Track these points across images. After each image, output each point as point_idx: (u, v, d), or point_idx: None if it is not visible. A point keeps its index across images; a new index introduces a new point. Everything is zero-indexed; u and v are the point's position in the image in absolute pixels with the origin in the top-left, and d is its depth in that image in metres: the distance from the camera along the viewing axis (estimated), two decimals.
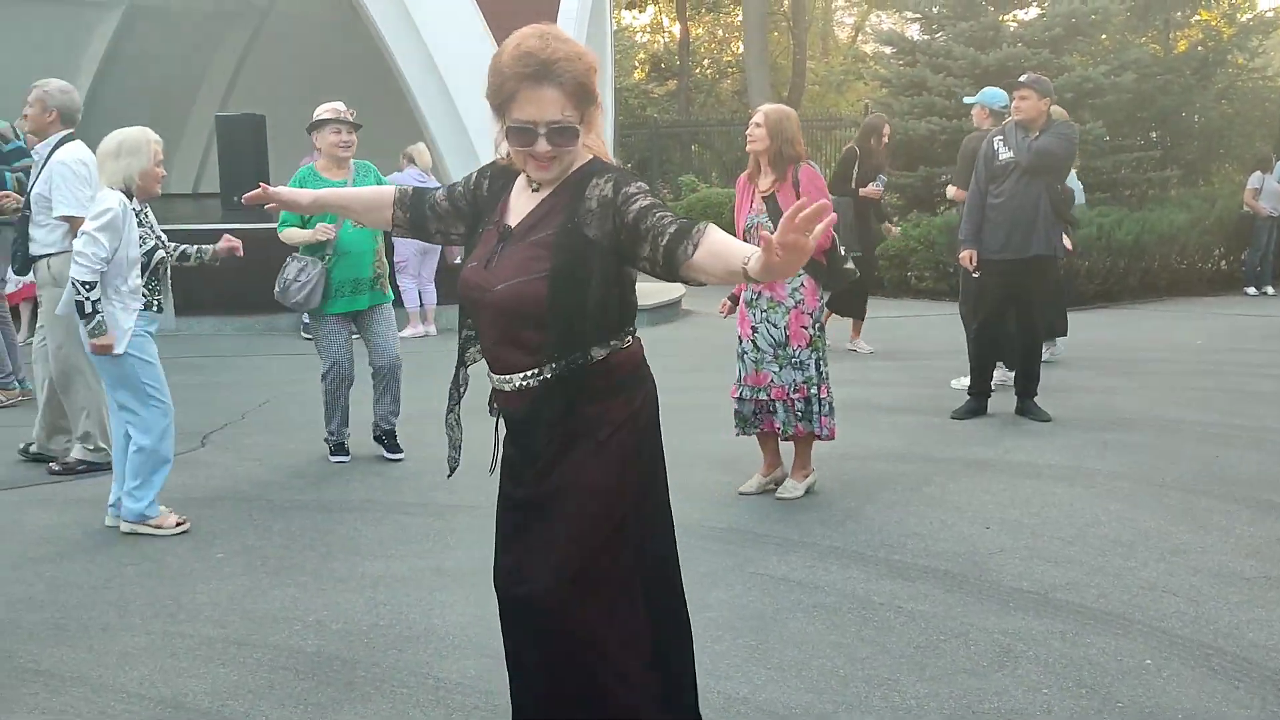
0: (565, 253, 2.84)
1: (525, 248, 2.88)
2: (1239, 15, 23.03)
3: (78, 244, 5.51)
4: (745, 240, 6.04)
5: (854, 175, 10.41)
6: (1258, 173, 15.62)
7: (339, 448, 6.96)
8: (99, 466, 6.72)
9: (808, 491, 6.14)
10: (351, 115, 6.92)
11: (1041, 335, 8.15)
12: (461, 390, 3.12)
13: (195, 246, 6.12)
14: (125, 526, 5.65)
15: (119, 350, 5.54)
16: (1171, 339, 11.60)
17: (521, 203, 2.97)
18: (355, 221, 3.54)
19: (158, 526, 5.64)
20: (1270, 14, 23.56)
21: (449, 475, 3.14)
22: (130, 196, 5.65)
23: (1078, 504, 5.98)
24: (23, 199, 7.04)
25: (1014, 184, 7.57)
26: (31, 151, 8.33)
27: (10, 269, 7.05)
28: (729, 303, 6.28)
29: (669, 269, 2.77)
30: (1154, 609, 4.58)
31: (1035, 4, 18.62)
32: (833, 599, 4.74)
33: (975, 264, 7.76)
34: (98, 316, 5.43)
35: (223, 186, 15.60)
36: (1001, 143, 7.69)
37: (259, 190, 3.25)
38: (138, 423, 5.64)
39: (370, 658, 4.25)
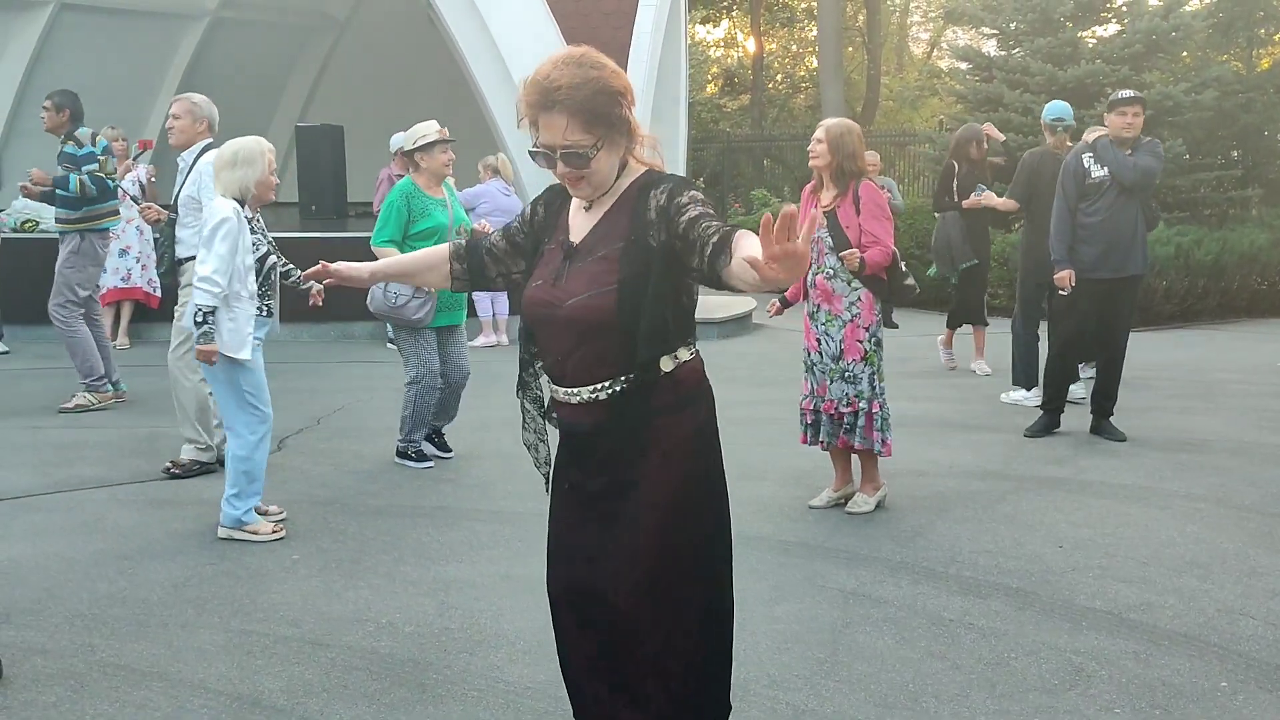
0: (632, 265, 2.87)
1: (593, 263, 2.91)
2: None
3: (202, 269, 5.59)
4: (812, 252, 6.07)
5: (954, 188, 10.28)
6: None
7: (420, 455, 7.01)
8: (210, 467, 6.88)
9: (878, 506, 6.13)
10: (447, 133, 6.96)
11: (1124, 354, 8.02)
12: (529, 409, 3.17)
13: (300, 273, 6.20)
14: (222, 532, 5.73)
15: (245, 356, 5.65)
16: (1251, 361, 11.41)
17: (580, 220, 3.01)
18: (418, 284, 3.51)
19: (253, 533, 5.70)
20: None
21: (546, 488, 3.16)
22: (243, 204, 5.74)
23: (1152, 524, 5.91)
24: (165, 209, 7.15)
25: (1111, 201, 7.48)
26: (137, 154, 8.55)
27: (155, 271, 7.18)
28: (778, 304, 6.33)
29: (714, 279, 2.80)
30: (1230, 631, 4.52)
31: (1115, 20, 18.43)
32: (902, 614, 4.72)
33: (1073, 283, 7.65)
34: (205, 326, 5.55)
35: (301, 195, 15.85)
36: (1092, 160, 7.58)
37: (319, 267, 3.39)
38: (234, 430, 5.73)
39: (442, 660, 4.29)
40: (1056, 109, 9.20)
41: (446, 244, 3.35)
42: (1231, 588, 5.00)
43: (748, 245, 2.68)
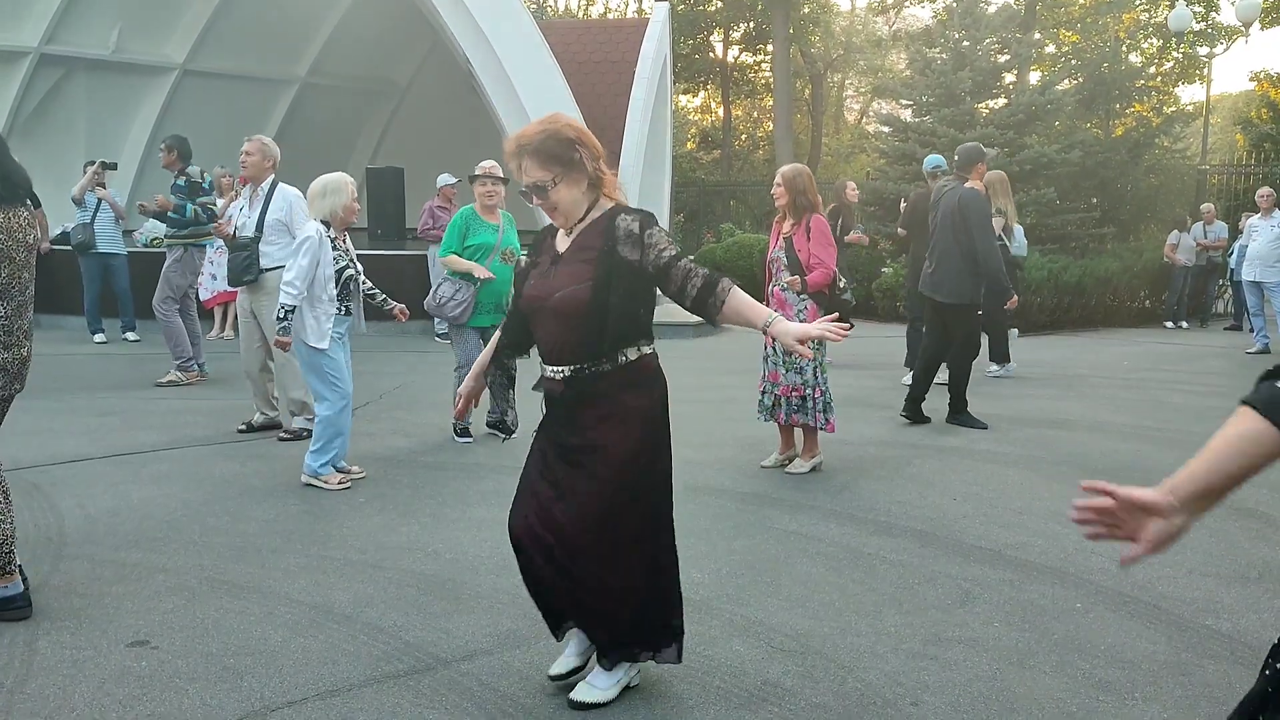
0: (603, 268, 3.01)
1: (573, 265, 3.05)
2: (1165, 108, 22.73)
3: (287, 275, 5.57)
4: (770, 269, 6.08)
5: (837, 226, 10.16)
6: (1175, 231, 15.37)
7: (464, 431, 6.92)
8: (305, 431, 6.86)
9: (813, 469, 6.13)
10: (499, 171, 6.84)
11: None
12: (499, 375, 3.40)
13: (384, 297, 6.18)
14: (304, 479, 5.70)
15: (323, 346, 5.61)
16: (1104, 360, 11.43)
17: (563, 240, 3.15)
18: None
19: (325, 482, 5.67)
20: (1189, 108, 23.18)
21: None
22: (328, 226, 5.69)
23: (1025, 483, 5.92)
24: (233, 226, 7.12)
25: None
26: (238, 187, 8.50)
27: (228, 279, 7.13)
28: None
29: (697, 310, 3.05)
30: (1084, 565, 4.53)
31: (1003, 95, 18.45)
32: (831, 549, 4.73)
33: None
34: (285, 321, 5.55)
35: (370, 223, 15.81)
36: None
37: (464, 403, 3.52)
38: (322, 399, 5.70)
39: (474, 580, 4.29)
40: (933, 160, 9.26)
41: (490, 345, 3.40)
42: None
43: (741, 300, 3.03)
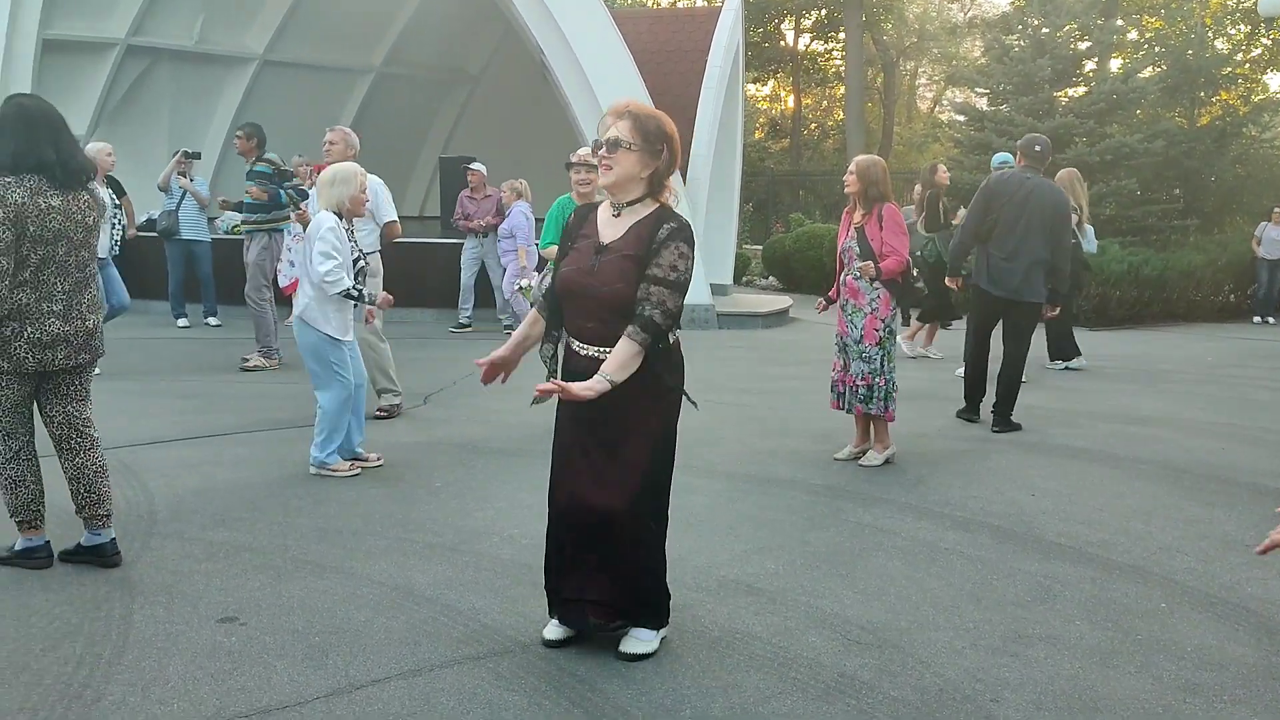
0: (645, 267, 3.20)
1: (620, 259, 3.21)
2: (1253, 96, 22.04)
3: (323, 266, 5.49)
4: (842, 258, 6.03)
5: (940, 211, 10.04)
6: (1263, 223, 14.92)
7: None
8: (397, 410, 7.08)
9: (886, 462, 6.07)
10: (594, 160, 6.84)
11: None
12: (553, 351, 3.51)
13: (370, 293, 5.94)
14: (312, 470, 5.64)
15: (349, 338, 5.64)
16: (1186, 355, 11.15)
17: (609, 228, 3.31)
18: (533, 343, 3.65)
19: (334, 471, 5.61)
20: (1279, 96, 22.43)
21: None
22: (340, 216, 5.68)
23: (1106, 480, 5.81)
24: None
25: None
26: (314, 175, 8.72)
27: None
28: (824, 302, 6.32)
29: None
30: (1168, 564, 4.44)
31: (1084, 83, 18.06)
32: (907, 543, 4.69)
33: None
34: (354, 295, 5.60)
35: (443, 210, 15.97)
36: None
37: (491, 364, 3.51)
38: (323, 390, 5.63)
39: None
40: (1003, 157, 9.12)
41: (531, 313, 3.56)
42: (1169, 531, 4.91)
43: (621, 345, 3.12)
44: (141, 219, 12.90)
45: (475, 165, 12.25)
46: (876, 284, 5.90)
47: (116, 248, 8.86)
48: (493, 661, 3.43)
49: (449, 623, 3.73)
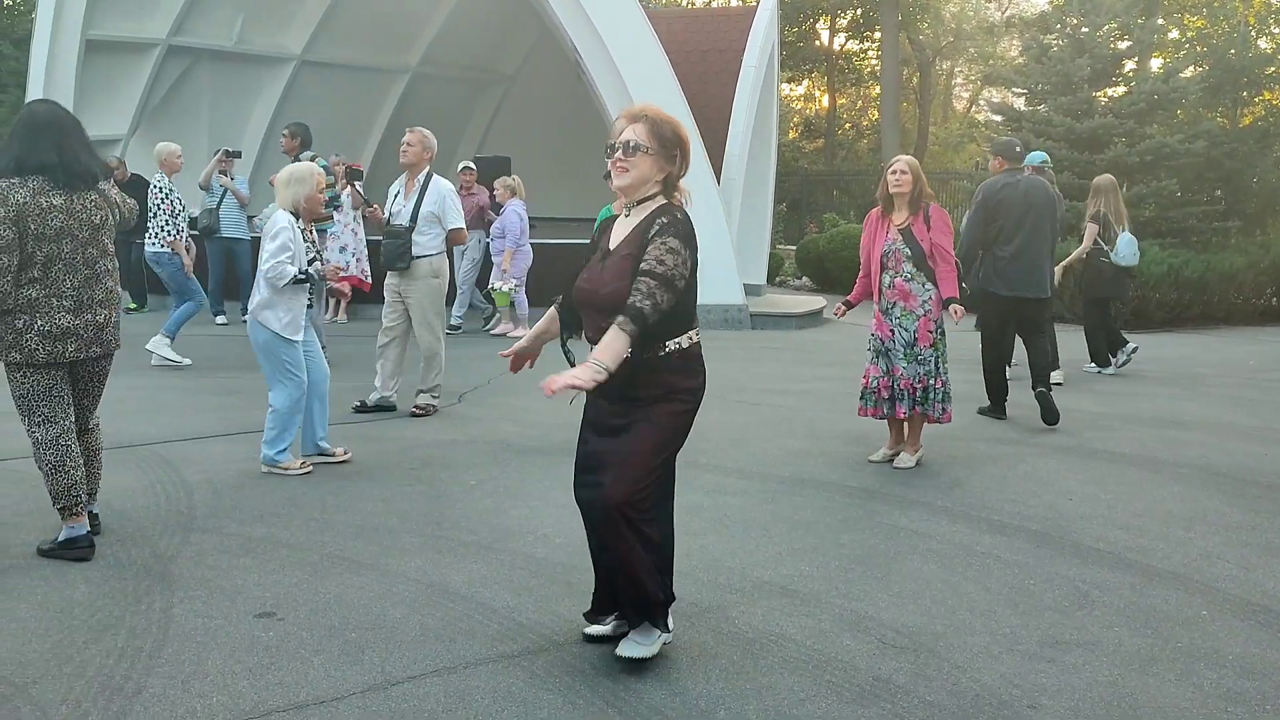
0: (639, 264, 3.17)
1: (618, 261, 3.24)
2: None
3: (266, 262, 5.48)
4: (884, 261, 5.96)
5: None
6: None
7: None
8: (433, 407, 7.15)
9: (917, 463, 6.04)
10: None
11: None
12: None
13: (318, 268, 5.85)
14: (263, 468, 5.62)
15: (297, 337, 5.56)
16: (1227, 359, 10.99)
17: (618, 231, 3.34)
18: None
19: (286, 469, 5.61)
20: None
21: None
22: (297, 217, 5.67)
23: (1145, 485, 5.74)
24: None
25: None
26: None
27: (383, 263, 7.30)
28: (843, 307, 6.26)
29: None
30: (1210, 571, 4.38)
31: (1123, 83, 17.84)
32: (943, 546, 4.66)
33: None
34: (303, 278, 5.55)
35: None
36: None
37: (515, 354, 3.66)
38: (275, 389, 5.61)
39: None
40: (1038, 155, 9.03)
41: (552, 309, 3.57)
42: (1211, 537, 4.84)
43: (609, 336, 3.04)
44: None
45: (466, 164, 12.32)
46: (928, 285, 5.88)
47: (180, 236, 8.79)
48: (527, 660, 3.44)
49: (484, 620, 3.74)
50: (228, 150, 11.30)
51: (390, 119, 18.25)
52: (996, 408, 7.45)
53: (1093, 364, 9.60)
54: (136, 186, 12.63)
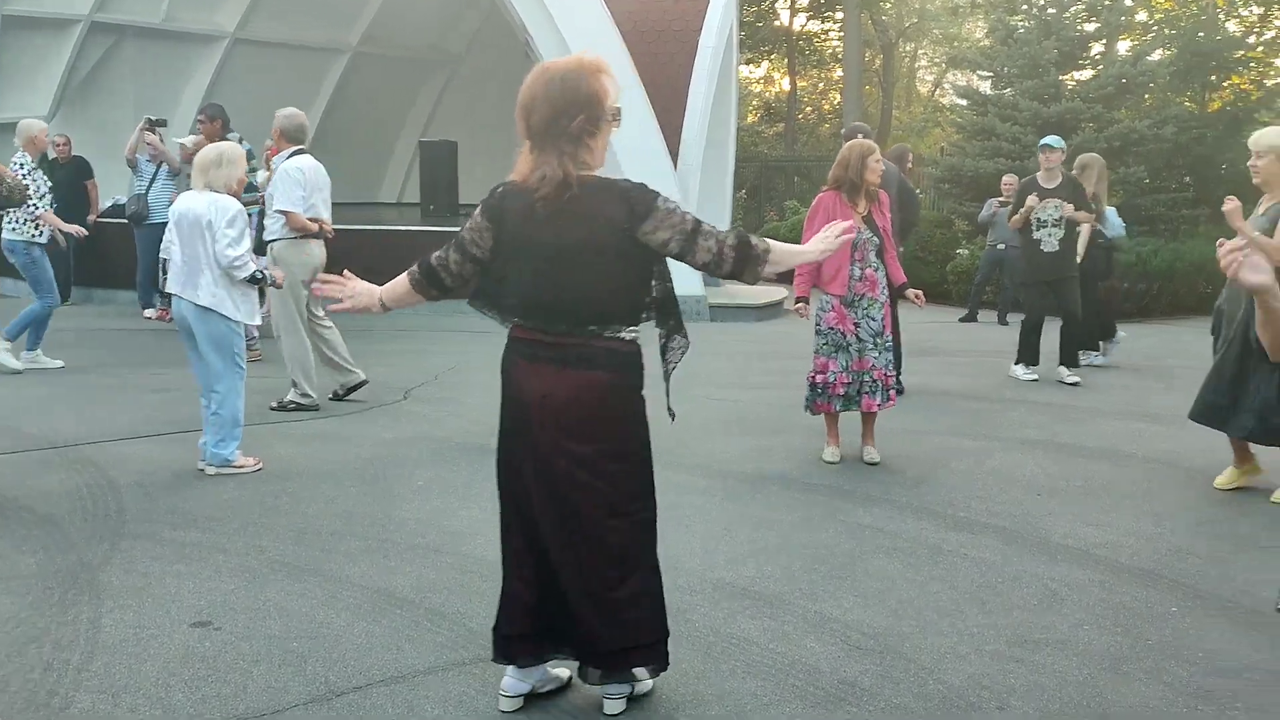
0: None
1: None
2: (1267, 81, 22.12)
3: (235, 250, 5.47)
4: (852, 253, 5.92)
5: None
6: None
7: None
8: (305, 408, 7.08)
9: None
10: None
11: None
12: None
13: (269, 273, 5.91)
14: (211, 470, 5.58)
15: (257, 322, 5.92)
16: (1197, 350, 11.16)
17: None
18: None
19: (239, 468, 5.62)
20: None
21: None
22: None
23: (1114, 480, 5.84)
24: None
25: None
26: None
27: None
28: (803, 306, 6.17)
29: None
30: (1180, 567, 4.47)
31: (1091, 66, 18.10)
32: (909, 544, 4.71)
33: None
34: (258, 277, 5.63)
35: (422, 197, 15.93)
36: None
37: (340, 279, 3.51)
38: (219, 388, 5.56)
39: None
40: (1054, 140, 9.11)
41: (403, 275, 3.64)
42: (1181, 533, 4.94)
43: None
44: (106, 204, 12.83)
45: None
46: (881, 270, 6.01)
47: (43, 235, 8.41)
48: (478, 668, 3.43)
49: (432, 627, 3.73)
50: (150, 119, 11.05)
51: (330, 100, 18.05)
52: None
53: (1092, 353, 9.69)
54: (80, 167, 12.40)
